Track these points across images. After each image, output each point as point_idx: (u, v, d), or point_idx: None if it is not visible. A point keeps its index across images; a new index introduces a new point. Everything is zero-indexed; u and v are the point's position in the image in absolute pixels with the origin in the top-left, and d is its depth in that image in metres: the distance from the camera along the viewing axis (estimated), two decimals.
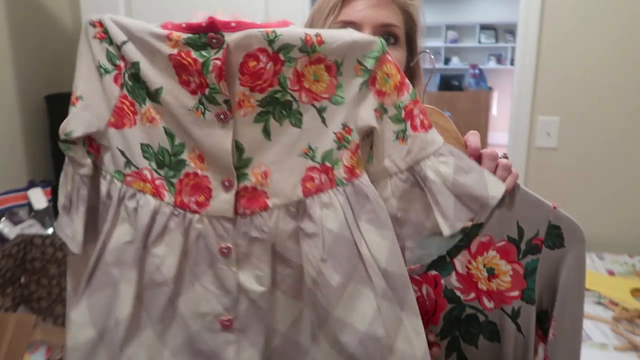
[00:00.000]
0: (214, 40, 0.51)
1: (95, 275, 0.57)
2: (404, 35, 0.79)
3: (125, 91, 0.54)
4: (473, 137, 0.67)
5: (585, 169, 1.77)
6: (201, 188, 0.55)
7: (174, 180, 0.55)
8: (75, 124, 0.54)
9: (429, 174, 0.56)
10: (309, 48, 0.52)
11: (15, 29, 1.80)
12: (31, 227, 1.62)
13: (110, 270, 0.56)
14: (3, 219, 1.58)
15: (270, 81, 0.53)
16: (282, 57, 0.52)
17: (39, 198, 1.71)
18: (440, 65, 7.47)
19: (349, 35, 0.54)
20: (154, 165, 0.56)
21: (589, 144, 1.75)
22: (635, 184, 1.74)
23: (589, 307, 1.32)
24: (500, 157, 0.67)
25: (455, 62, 7.42)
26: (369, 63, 0.55)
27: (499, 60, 7.28)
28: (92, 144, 0.56)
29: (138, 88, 0.54)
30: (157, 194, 0.56)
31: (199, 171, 0.55)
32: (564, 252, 0.65)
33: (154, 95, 0.53)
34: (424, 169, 0.57)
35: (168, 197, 0.56)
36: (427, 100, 0.85)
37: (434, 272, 0.69)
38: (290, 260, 0.56)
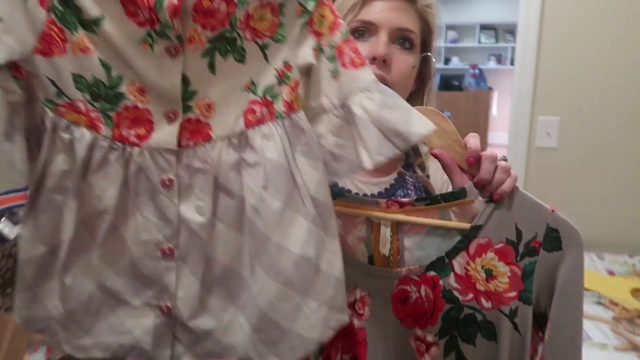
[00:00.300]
0: None
1: (39, 198, 0.58)
2: (419, 41, 0.81)
3: (53, 16, 0.51)
4: (473, 139, 0.68)
5: (585, 169, 1.77)
6: (141, 121, 0.56)
7: (111, 114, 0.55)
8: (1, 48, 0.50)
9: (355, 109, 0.58)
10: None
11: None
12: None
13: (53, 195, 0.57)
14: (3, 219, 1.58)
15: (222, 21, 0.54)
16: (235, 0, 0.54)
17: None
18: (440, 65, 7.46)
19: None
20: (88, 97, 0.54)
21: (589, 144, 1.75)
22: (635, 184, 1.74)
23: (589, 307, 1.32)
24: (500, 160, 0.68)
25: (455, 62, 7.42)
26: (309, 5, 0.57)
27: (499, 60, 7.28)
28: (18, 69, 0.53)
29: (69, 14, 0.52)
30: (92, 126, 0.55)
31: (139, 104, 0.55)
32: (561, 254, 0.65)
33: (89, 24, 0.52)
34: (352, 105, 0.58)
35: (105, 130, 0.55)
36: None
37: (432, 273, 0.70)
38: (232, 192, 0.59)
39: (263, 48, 0.57)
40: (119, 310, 0.61)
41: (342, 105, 0.59)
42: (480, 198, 0.69)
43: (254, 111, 0.58)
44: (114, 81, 0.54)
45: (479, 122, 6.38)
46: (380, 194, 0.84)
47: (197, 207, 0.58)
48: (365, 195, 0.82)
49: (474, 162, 0.68)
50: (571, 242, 0.65)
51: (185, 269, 0.60)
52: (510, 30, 7.03)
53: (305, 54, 0.58)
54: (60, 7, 0.51)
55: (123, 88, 0.54)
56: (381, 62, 0.76)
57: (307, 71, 0.59)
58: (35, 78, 0.54)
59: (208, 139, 0.57)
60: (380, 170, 0.84)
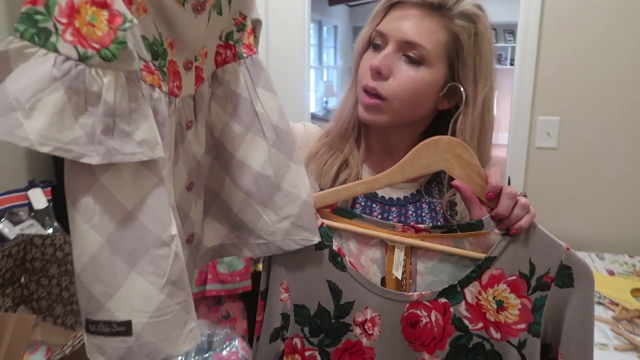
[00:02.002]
0: None
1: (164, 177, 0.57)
2: (438, 56, 0.73)
3: None
4: (494, 174, 0.69)
5: (585, 169, 1.77)
6: (176, 73, 0.61)
7: (165, 69, 0.58)
8: (125, 9, 0.48)
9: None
10: None
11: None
12: (31, 227, 1.62)
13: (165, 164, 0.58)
14: (3, 219, 1.58)
15: None
16: None
17: (39, 198, 1.71)
18: None
19: None
20: (149, 57, 0.54)
21: (589, 144, 1.75)
22: (635, 184, 1.74)
23: None
24: (519, 195, 0.68)
25: None
26: None
27: (499, 60, 7.28)
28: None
29: None
30: (159, 86, 0.56)
31: (172, 58, 0.59)
32: (572, 291, 0.67)
33: None
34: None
35: (164, 86, 0.57)
36: None
37: (443, 300, 0.70)
38: (207, 121, 0.69)
39: (230, 1, 0.65)
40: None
41: None
42: (496, 230, 0.69)
43: (220, 54, 0.68)
44: (161, 38, 0.57)
45: None
46: (398, 200, 0.82)
47: (198, 141, 0.68)
48: (383, 197, 0.82)
49: (493, 197, 0.68)
50: (582, 279, 0.67)
51: (196, 196, 0.69)
52: (510, 30, 7.02)
53: (254, 8, 0.69)
54: None
55: (165, 44, 0.58)
56: (375, 74, 0.73)
57: (257, 23, 0.70)
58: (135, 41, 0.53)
59: (202, 81, 0.66)
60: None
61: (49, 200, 1.74)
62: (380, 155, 0.84)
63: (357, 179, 0.78)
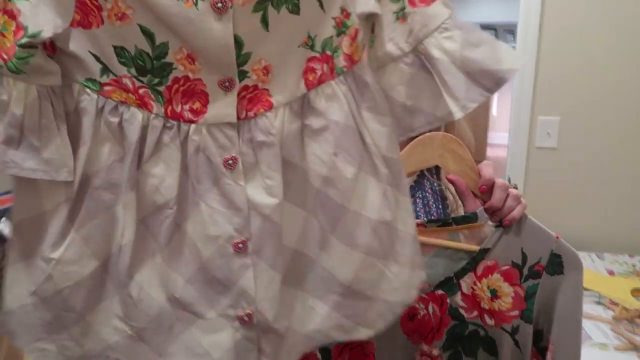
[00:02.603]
0: None
1: (83, 203, 0.50)
2: None
3: None
4: (487, 168, 0.70)
5: (585, 169, 1.77)
6: (195, 93, 0.49)
7: (161, 88, 0.48)
8: (40, 23, 0.43)
9: (434, 53, 0.51)
10: None
11: None
12: None
13: (101, 195, 0.50)
14: (3, 219, 1.58)
15: None
16: None
17: None
18: None
19: None
20: (133, 71, 0.47)
21: (589, 144, 1.75)
22: (635, 184, 1.74)
23: (589, 307, 1.32)
24: (511, 187, 0.70)
25: None
26: None
27: None
28: (52, 47, 0.47)
29: None
30: (143, 105, 0.48)
31: (190, 74, 0.48)
32: (562, 278, 0.69)
33: None
34: (429, 48, 0.51)
35: (156, 107, 0.49)
36: None
37: (440, 292, 0.73)
38: (294, 164, 0.52)
39: None
40: (193, 325, 0.53)
41: (413, 51, 0.52)
42: (490, 222, 0.71)
43: (314, 70, 0.51)
44: (159, 50, 0.47)
45: (479, 122, 6.37)
46: None
47: (266, 188, 0.51)
48: None
49: (486, 190, 0.70)
50: (572, 266, 0.69)
51: (262, 263, 0.52)
52: (510, 30, 7.02)
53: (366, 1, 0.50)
54: None
55: (170, 57, 0.47)
56: None
57: (368, 15, 0.51)
58: (72, 56, 0.47)
59: (269, 106, 0.50)
60: None
61: None
62: None
63: None
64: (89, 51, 0.47)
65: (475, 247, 0.71)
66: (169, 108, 0.49)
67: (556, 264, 0.69)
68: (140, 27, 0.46)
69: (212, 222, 0.51)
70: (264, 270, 0.52)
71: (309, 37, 0.50)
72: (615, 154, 1.74)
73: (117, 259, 0.51)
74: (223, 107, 0.49)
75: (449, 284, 0.72)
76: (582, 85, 1.72)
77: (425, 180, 0.84)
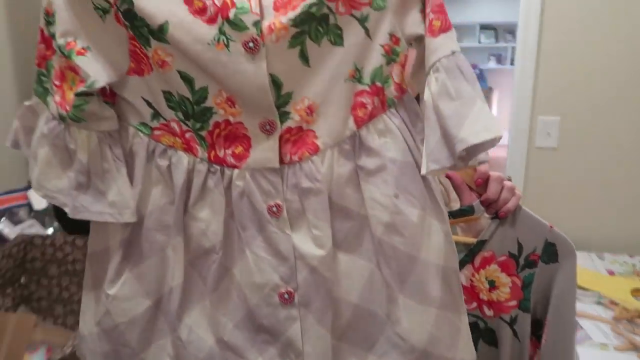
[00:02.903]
0: None
1: (137, 243, 0.51)
2: None
3: (130, 31, 0.44)
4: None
5: (585, 169, 1.77)
6: (237, 137, 0.47)
7: (203, 133, 0.47)
8: (95, 74, 0.45)
9: (426, 91, 0.46)
10: None
11: (15, 29, 1.80)
12: (31, 227, 1.62)
13: (153, 236, 0.51)
14: (3, 219, 1.58)
15: None
16: None
17: (39, 198, 1.71)
18: None
19: None
20: (180, 115, 0.47)
21: (589, 144, 1.75)
22: (635, 184, 1.74)
23: (589, 307, 1.32)
24: (505, 180, 0.72)
25: None
26: None
27: (499, 60, 7.27)
28: (108, 94, 0.48)
29: (138, 26, 0.44)
30: (189, 149, 0.48)
31: (230, 118, 0.46)
32: (557, 266, 0.71)
33: (158, 33, 0.43)
34: (425, 84, 0.47)
35: (201, 152, 0.48)
36: None
37: None
38: (350, 210, 0.48)
39: (363, 21, 0.45)
40: None
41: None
42: (486, 215, 0.73)
43: (364, 105, 0.47)
44: (199, 95, 0.46)
45: None
46: None
47: (313, 238, 0.48)
48: None
49: (482, 183, 0.71)
50: (566, 254, 0.70)
51: (310, 317, 0.49)
52: (510, 30, 7.02)
53: (414, 20, 0.46)
54: (127, 22, 0.45)
55: (209, 101, 0.46)
56: None
57: (417, 39, 0.47)
58: (128, 102, 0.48)
59: (315, 150, 0.47)
60: None
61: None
62: None
63: None
64: (142, 97, 0.48)
65: (472, 240, 0.73)
66: (212, 153, 0.49)
67: (551, 252, 0.71)
68: (180, 73, 0.45)
69: (257, 269, 0.49)
70: (312, 325, 0.49)
71: (356, 69, 0.47)
72: (615, 154, 1.74)
73: (168, 300, 0.51)
74: (265, 151, 0.47)
75: None
76: (582, 85, 1.72)
77: None
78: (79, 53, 0.44)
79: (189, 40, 0.43)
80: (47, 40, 0.45)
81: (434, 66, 0.46)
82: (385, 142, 0.47)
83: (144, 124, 0.49)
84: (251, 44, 0.43)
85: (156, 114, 0.49)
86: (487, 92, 6.54)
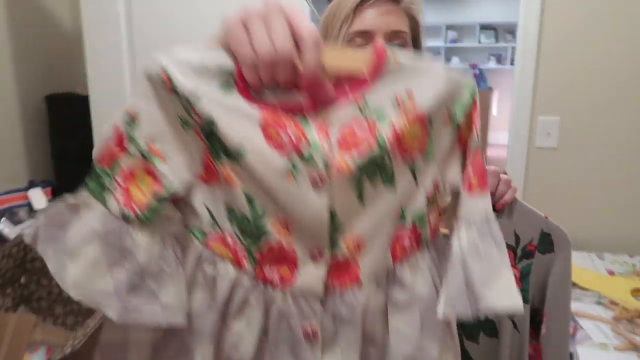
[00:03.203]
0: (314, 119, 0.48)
1: (165, 343, 0.51)
2: (410, 39, 0.82)
3: (206, 143, 0.48)
4: None
5: (585, 169, 1.77)
6: (285, 259, 0.49)
7: (253, 250, 0.50)
8: (174, 179, 0.48)
9: (454, 240, 0.51)
10: (401, 107, 0.48)
11: (15, 29, 1.80)
12: (31, 227, 1.62)
13: (185, 338, 0.51)
14: (3, 219, 1.58)
15: (368, 142, 0.47)
16: (376, 120, 0.48)
17: (39, 198, 1.71)
18: None
19: (440, 81, 0.49)
20: (236, 230, 0.50)
21: (589, 144, 1.75)
22: (635, 184, 1.74)
23: (589, 307, 1.32)
24: (501, 174, 0.74)
25: (455, 62, 7.41)
26: (459, 111, 0.50)
27: (499, 60, 7.28)
28: (177, 198, 0.50)
29: (215, 144, 0.48)
30: (237, 262, 0.50)
31: (283, 241, 0.49)
32: (553, 256, 0.72)
33: (234, 156, 0.47)
34: (454, 235, 0.52)
35: (248, 267, 0.50)
36: None
37: None
38: (376, 339, 0.51)
39: (413, 170, 0.50)
40: None
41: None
42: None
43: (402, 243, 0.50)
44: (257, 216, 0.49)
45: (479, 122, 6.36)
46: None
47: None
48: None
49: None
50: (561, 244, 0.72)
51: None
52: (510, 30, 7.02)
53: (455, 174, 0.51)
54: (207, 139, 0.48)
55: (266, 224, 0.49)
56: None
57: (455, 190, 0.52)
58: (190, 206, 0.49)
59: (356, 281, 0.50)
60: None
61: (49, 200, 1.74)
62: None
63: None
64: (204, 204, 0.49)
65: None
66: (259, 270, 0.50)
67: (547, 242, 0.72)
68: (244, 193, 0.48)
69: None
70: None
71: (401, 210, 0.50)
72: (615, 154, 1.74)
73: None
74: (311, 278, 0.49)
75: None
76: (582, 85, 1.72)
77: None
78: (161, 158, 0.47)
79: (261, 167, 0.46)
80: (121, 139, 0.46)
81: (467, 222, 0.50)
82: (416, 279, 0.50)
83: (200, 230, 0.51)
84: (318, 180, 0.47)
85: (214, 223, 0.50)
86: (487, 92, 6.55)
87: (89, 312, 1.51)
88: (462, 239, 0.50)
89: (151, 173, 0.47)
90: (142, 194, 0.47)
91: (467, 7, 7.24)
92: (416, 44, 0.84)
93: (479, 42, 7.28)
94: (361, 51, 0.48)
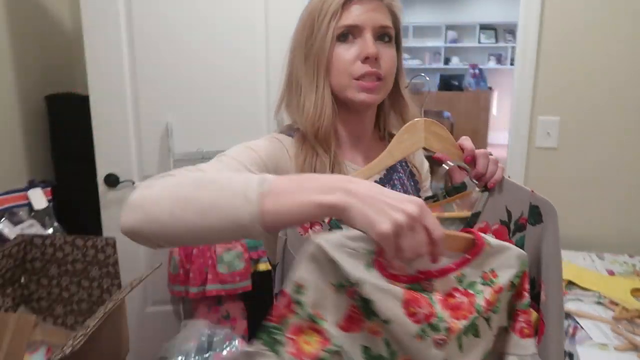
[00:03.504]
0: (427, 285, 0.63)
1: None
2: (394, 34, 0.85)
3: (356, 303, 0.60)
4: (467, 142, 0.80)
5: (585, 169, 1.77)
6: None
7: None
8: (335, 334, 0.60)
9: None
10: (488, 282, 0.67)
11: (15, 29, 1.80)
12: (31, 227, 1.62)
13: None
14: (3, 219, 1.58)
15: (469, 309, 0.64)
16: (469, 290, 0.66)
17: (39, 198, 1.71)
18: (440, 65, 7.46)
19: (513, 262, 0.68)
20: None
21: (589, 144, 1.75)
22: (635, 184, 1.74)
23: (589, 307, 1.32)
24: (490, 155, 0.81)
25: (455, 62, 7.41)
26: (517, 278, 0.69)
27: (499, 60, 7.28)
28: None
29: (368, 308, 0.60)
30: None
31: None
32: (543, 226, 0.77)
33: (384, 320, 0.60)
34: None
35: None
36: (427, 101, 0.88)
37: None
38: None
39: (488, 320, 0.67)
40: None
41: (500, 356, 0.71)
42: (477, 189, 0.80)
43: None
44: (390, 355, 0.62)
45: (479, 122, 6.37)
46: (381, 180, 0.88)
47: None
48: None
49: (471, 160, 0.79)
50: (549, 213, 0.77)
51: None
52: (510, 30, 7.03)
53: (504, 318, 0.70)
54: (361, 303, 0.60)
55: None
56: (373, 60, 0.79)
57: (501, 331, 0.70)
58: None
59: None
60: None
61: (49, 200, 1.74)
62: (349, 146, 0.88)
63: (345, 174, 0.82)
64: (335, 343, 0.60)
65: (467, 213, 0.79)
66: None
67: (536, 214, 0.78)
68: (385, 340, 0.61)
69: None
70: None
71: (484, 354, 0.67)
72: (615, 154, 1.74)
73: None
74: None
75: None
76: (582, 85, 1.72)
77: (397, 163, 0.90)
78: (323, 320, 0.59)
79: (400, 330, 0.60)
80: (289, 302, 0.58)
81: (520, 356, 0.69)
82: None
83: None
84: (440, 341, 0.61)
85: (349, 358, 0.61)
86: (487, 92, 6.54)
87: (89, 312, 1.51)
88: None
89: (317, 330, 0.59)
90: (311, 347, 0.58)
91: (467, 7, 7.24)
92: (397, 39, 0.87)
93: (479, 42, 7.28)
94: (463, 235, 0.66)
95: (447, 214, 0.80)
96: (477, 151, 0.79)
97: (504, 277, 0.67)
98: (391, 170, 0.89)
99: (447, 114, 6.03)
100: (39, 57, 1.94)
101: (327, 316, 0.59)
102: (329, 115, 0.81)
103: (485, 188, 0.79)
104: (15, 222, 1.60)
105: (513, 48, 6.14)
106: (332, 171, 0.81)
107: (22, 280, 1.46)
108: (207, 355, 1.53)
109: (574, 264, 1.60)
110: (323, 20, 0.80)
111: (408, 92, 0.89)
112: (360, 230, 0.53)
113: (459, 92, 6.49)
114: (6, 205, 1.62)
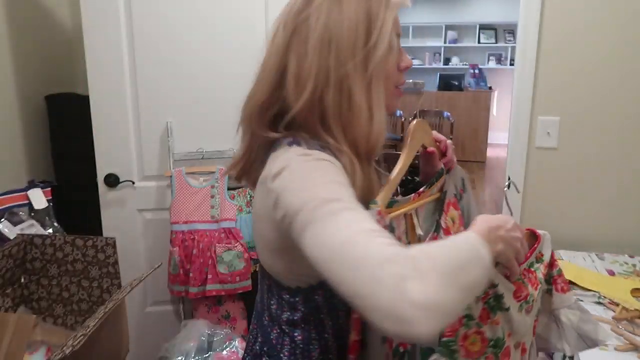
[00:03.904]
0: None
1: None
2: None
3: (486, 305, 0.74)
4: (438, 135, 0.96)
5: (585, 169, 1.77)
6: (508, 354, 0.78)
7: (499, 353, 0.77)
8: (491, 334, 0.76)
9: (562, 318, 0.89)
10: (540, 260, 0.84)
11: (15, 29, 1.80)
12: (31, 227, 1.62)
13: None
14: (3, 219, 1.58)
15: (537, 283, 0.82)
16: (533, 269, 0.82)
17: (39, 198, 1.71)
18: (440, 65, 7.46)
19: (549, 243, 0.85)
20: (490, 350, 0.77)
21: (589, 144, 1.75)
22: (635, 184, 1.74)
23: (589, 307, 1.32)
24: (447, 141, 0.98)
25: (455, 62, 7.41)
26: (548, 255, 0.86)
27: (499, 60, 7.28)
28: None
29: (495, 308, 0.75)
30: None
31: (507, 343, 0.78)
32: (468, 193, 1.00)
33: (505, 309, 0.76)
34: (559, 315, 0.89)
35: None
36: (426, 100, 0.89)
37: (435, 234, 0.95)
38: None
39: (529, 302, 0.81)
40: None
41: (551, 311, 0.89)
42: (445, 173, 0.97)
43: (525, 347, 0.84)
44: (504, 334, 0.77)
45: (479, 122, 6.38)
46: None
47: None
48: None
49: (445, 150, 0.96)
50: (465, 180, 1.01)
51: None
52: (510, 30, 7.03)
53: (544, 284, 0.86)
54: (494, 301, 0.74)
55: (506, 338, 0.77)
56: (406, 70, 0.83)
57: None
58: None
59: None
60: None
61: (49, 200, 1.74)
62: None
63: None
64: None
65: (438, 194, 0.95)
66: None
67: (463, 184, 1.01)
68: (502, 327, 0.76)
69: None
70: None
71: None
72: (615, 154, 1.74)
73: None
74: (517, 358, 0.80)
75: (437, 227, 0.94)
76: (582, 85, 1.72)
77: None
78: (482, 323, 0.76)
79: (513, 312, 0.76)
80: (461, 319, 0.72)
81: (568, 306, 0.89)
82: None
83: None
84: (529, 309, 0.79)
85: None
86: (487, 92, 6.54)
87: (89, 312, 1.51)
88: (570, 315, 0.89)
89: (479, 333, 0.74)
90: (476, 347, 0.74)
91: (467, 7, 7.24)
92: None
93: (479, 42, 7.28)
94: (528, 233, 0.83)
95: (431, 197, 0.94)
96: (448, 142, 0.97)
97: (547, 255, 0.85)
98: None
99: (447, 114, 6.04)
100: (39, 57, 1.94)
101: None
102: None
103: (447, 171, 0.97)
104: (15, 222, 1.60)
105: (513, 48, 6.14)
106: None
107: (22, 280, 1.46)
108: (207, 355, 1.53)
109: (574, 264, 1.60)
110: (383, 27, 0.73)
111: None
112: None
113: (459, 92, 6.50)
114: (6, 205, 1.62)
